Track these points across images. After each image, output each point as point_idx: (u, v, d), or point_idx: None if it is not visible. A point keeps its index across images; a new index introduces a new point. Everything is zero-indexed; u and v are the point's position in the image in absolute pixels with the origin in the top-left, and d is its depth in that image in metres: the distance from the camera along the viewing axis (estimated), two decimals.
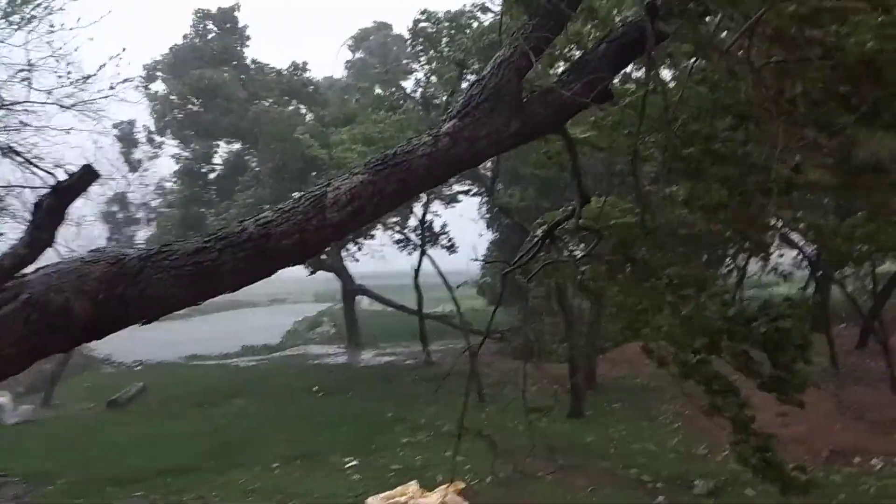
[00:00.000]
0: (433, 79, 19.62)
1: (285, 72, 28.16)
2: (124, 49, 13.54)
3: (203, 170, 28.29)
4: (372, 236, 25.77)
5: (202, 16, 28.98)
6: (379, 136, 16.73)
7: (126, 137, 26.52)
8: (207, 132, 27.45)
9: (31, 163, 11.06)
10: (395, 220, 24.29)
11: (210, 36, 29.16)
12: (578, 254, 5.75)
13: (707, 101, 4.85)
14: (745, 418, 4.89)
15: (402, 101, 20.38)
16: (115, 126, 23.19)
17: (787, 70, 4.29)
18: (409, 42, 21.83)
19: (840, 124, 4.44)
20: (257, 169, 25.72)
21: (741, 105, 4.57)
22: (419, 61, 20.63)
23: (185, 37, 28.92)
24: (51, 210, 3.33)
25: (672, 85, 5.51)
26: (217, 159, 29.04)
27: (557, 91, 3.77)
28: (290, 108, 26.78)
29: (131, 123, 26.34)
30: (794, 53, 4.19)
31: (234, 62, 29.05)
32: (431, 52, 19.74)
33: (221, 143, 28.84)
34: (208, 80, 26.14)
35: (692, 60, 4.80)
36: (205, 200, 26.92)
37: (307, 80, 27.86)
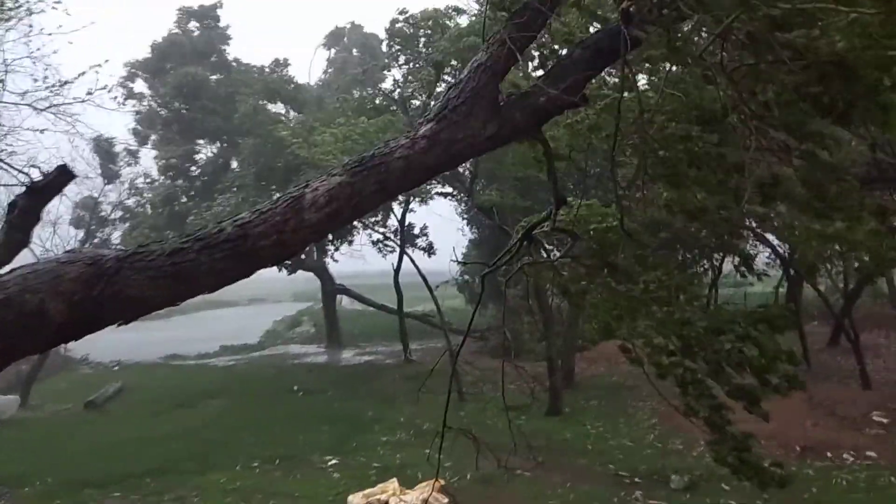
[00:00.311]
0: (410, 78, 19.62)
1: (267, 69, 28.01)
2: (107, 60, 13.47)
3: (187, 164, 28.01)
4: (350, 242, 25.56)
5: (185, 13, 28.80)
6: (361, 137, 16.72)
7: (104, 152, 25.90)
8: (190, 131, 27.18)
9: (1, 160, 10.90)
10: (374, 219, 24.23)
11: (194, 33, 28.98)
12: (558, 255, 5.81)
13: (682, 105, 4.93)
14: (719, 420, 4.96)
15: (383, 103, 20.35)
16: (94, 140, 22.62)
17: (758, 73, 4.38)
18: (385, 42, 21.84)
19: (811, 126, 4.54)
20: (238, 171, 25.48)
21: (714, 109, 4.65)
22: (397, 62, 20.60)
23: (167, 34, 28.74)
24: (25, 210, 3.32)
25: (647, 88, 5.60)
26: (198, 158, 28.83)
27: (534, 95, 3.83)
28: (272, 106, 26.65)
29: (109, 140, 25.59)
30: (765, 56, 4.27)
31: (215, 59, 28.87)
32: (408, 53, 19.74)
33: (203, 143, 28.61)
34: (192, 78, 25.86)
35: (667, 66, 4.87)
36: (187, 200, 26.66)
37: (288, 78, 27.72)
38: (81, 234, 24.53)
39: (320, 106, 24.98)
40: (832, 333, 19.90)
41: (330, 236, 23.82)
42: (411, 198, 21.23)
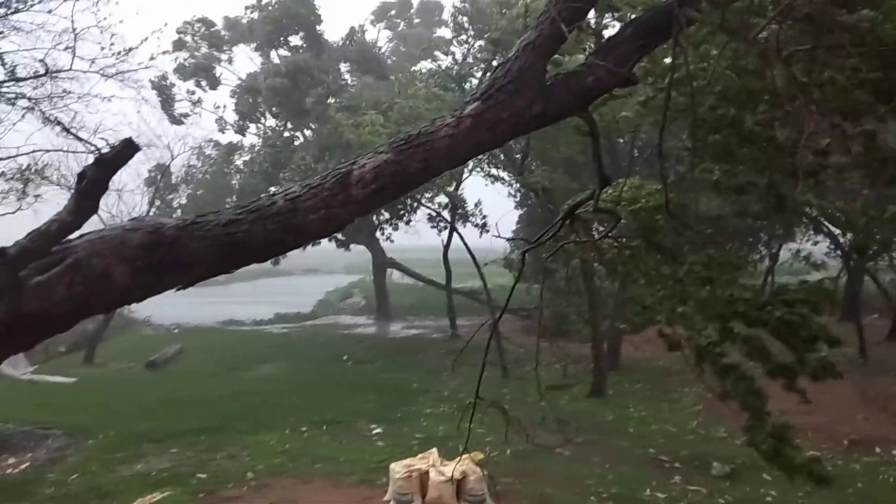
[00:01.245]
0: (474, 52, 19.60)
1: (347, 42, 28.07)
2: (166, 24, 14.05)
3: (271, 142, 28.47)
4: (408, 221, 25.40)
5: None
6: (426, 111, 16.84)
7: (163, 90, 26.54)
8: (285, 107, 27.62)
9: (69, 132, 11.44)
10: (429, 195, 24.17)
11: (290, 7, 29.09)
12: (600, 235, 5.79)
13: (735, 85, 4.84)
14: (756, 404, 4.90)
15: (445, 80, 20.43)
16: (150, 81, 23.47)
17: (815, 57, 4.26)
18: (451, 19, 21.82)
19: (868, 112, 4.40)
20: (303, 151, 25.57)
21: (768, 90, 4.55)
22: (458, 39, 20.57)
23: (251, 7, 28.84)
24: (94, 180, 3.54)
25: (701, 66, 5.49)
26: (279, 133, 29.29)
27: (581, 74, 3.82)
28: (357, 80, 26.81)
29: (164, 78, 26.39)
30: (824, 39, 4.16)
31: (308, 35, 28.93)
32: (472, 29, 19.70)
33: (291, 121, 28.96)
34: (303, 63, 26.02)
35: (724, 44, 4.77)
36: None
37: (370, 45, 27.78)
38: (146, 202, 25.47)
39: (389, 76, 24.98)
40: (892, 326, 19.21)
41: (386, 215, 24.03)
42: (462, 176, 21.25)
